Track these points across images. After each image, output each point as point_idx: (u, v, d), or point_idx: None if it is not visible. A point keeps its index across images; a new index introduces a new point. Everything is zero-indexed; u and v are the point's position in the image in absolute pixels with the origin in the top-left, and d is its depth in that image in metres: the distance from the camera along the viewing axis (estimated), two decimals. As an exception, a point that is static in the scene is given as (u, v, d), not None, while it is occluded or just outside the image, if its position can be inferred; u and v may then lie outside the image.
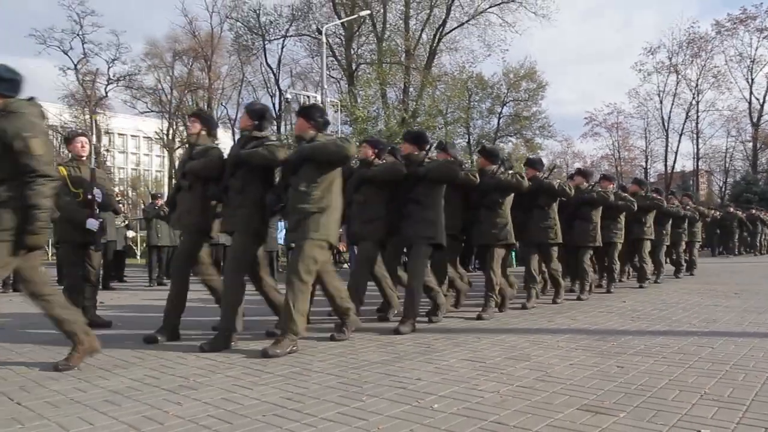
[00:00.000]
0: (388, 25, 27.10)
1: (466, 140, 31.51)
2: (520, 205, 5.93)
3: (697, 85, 35.94)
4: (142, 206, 20.40)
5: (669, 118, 37.25)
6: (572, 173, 8.93)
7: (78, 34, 30.36)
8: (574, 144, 42.83)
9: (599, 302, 6.45)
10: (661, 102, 37.31)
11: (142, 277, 11.77)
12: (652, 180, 38.38)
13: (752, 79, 34.91)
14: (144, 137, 49.37)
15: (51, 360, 3.60)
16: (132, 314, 6.27)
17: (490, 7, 27.47)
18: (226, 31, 32.52)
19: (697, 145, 37.69)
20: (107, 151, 37.62)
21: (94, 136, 4.85)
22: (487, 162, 5.72)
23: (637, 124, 42.99)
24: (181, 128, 34.70)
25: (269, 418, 2.45)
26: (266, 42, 30.39)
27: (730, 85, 35.40)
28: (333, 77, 29.19)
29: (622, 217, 7.78)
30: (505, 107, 33.51)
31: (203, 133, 4.58)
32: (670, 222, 9.49)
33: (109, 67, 32.62)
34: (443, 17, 27.28)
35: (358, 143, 4.84)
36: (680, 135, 37.27)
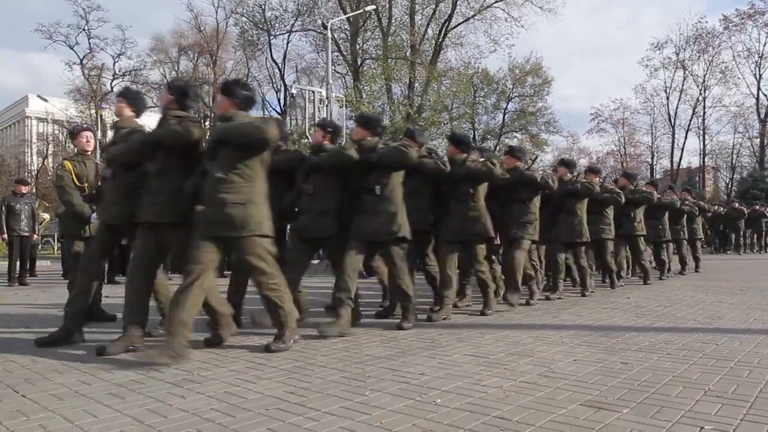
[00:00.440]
0: (393, 20, 27.08)
1: (472, 136, 31.44)
2: (498, 198, 5.69)
3: (704, 80, 35.78)
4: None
5: (675, 114, 37.14)
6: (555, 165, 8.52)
7: (84, 30, 30.41)
8: (579, 140, 42.60)
9: (604, 298, 6.43)
10: (667, 98, 37.18)
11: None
12: (657, 176, 38.23)
13: (760, 75, 34.72)
14: (149, 132, 49.36)
15: (55, 353, 3.63)
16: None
17: (496, 1, 27.43)
18: (232, 27, 32.57)
19: (704, 142, 37.56)
20: (113, 145, 37.62)
21: (99, 130, 4.85)
22: (456, 150, 5.31)
23: (643, 120, 42.89)
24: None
25: (272, 412, 2.45)
26: (271, 37, 30.40)
27: (738, 80, 35.24)
28: (338, 72, 29.21)
29: (610, 212, 7.40)
30: (510, 103, 33.50)
31: (130, 114, 4.15)
32: (666, 216, 9.11)
33: (114, 62, 32.69)
34: (449, 12, 27.25)
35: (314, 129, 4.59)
36: (687, 131, 37.16)
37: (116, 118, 4.27)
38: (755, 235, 19.19)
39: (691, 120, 36.90)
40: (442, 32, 27.46)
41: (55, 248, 19.41)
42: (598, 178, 7.42)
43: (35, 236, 10.63)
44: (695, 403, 2.49)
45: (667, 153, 38.50)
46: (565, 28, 64.44)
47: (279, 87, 33.10)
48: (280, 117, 29.83)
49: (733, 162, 38.94)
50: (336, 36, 26.44)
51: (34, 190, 28.58)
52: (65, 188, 5.09)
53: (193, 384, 2.92)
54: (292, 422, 2.32)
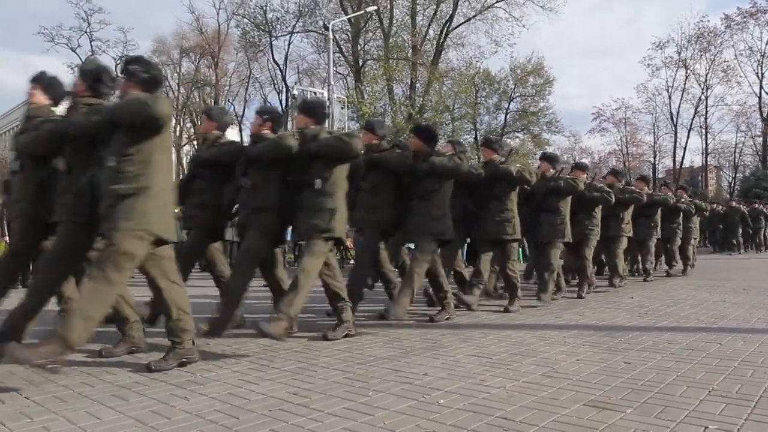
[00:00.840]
0: (394, 21, 27.03)
1: (473, 136, 31.42)
2: (474, 195, 5.48)
3: (706, 79, 35.63)
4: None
5: (678, 113, 36.96)
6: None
7: (86, 32, 30.46)
8: (581, 139, 42.57)
9: (606, 298, 6.42)
10: (669, 97, 37.02)
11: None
12: (660, 176, 38.16)
13: (762, 74, 34.56)
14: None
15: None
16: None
17: (498, 1, 27.34)
18: (233, 28, 32.53)
19: (706, 141, 37.42)
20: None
21: None
22: (421, 143, 4.94)
23: (645, 120, 42.78)
24: (188, 125, 34.79)
25: (275, 413, 2.45)
26: (273, 38, 30.35)
27: (740, 79, 35.06)
28: (340, 73, 29.18)
29: (598, 211, 6.91)
30: (512, 103, 33.38)
31: (46, 102, 3.75)
32: (659, 214, 8.64)
33: (116, 65, 32.71)
34: (450, 12, 27.18)
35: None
36: (689, 130, 36.99)
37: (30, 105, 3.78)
38: (754, 235, 18.67)
39: (693, 119, 36.79)
40: (444, 33, 27.41)
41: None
42: (585, 175, 7.01)
43: None
44: (699, 403, 2.48)
45: (670, 152, 38.40)
46: (566, 27, 64.40)
47: (281, 88, 33.09)
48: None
49: (736, 161, 38.82)
50: (337, 37, 26.42)
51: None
52: None
53: (196, 385, 2.92)
54: (296, 423, 2.32)
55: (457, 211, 5.13)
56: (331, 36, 21.29)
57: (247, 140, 4.80)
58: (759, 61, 34.39)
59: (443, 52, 27.98)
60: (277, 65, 32.09)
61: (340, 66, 28.74)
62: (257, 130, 4.25)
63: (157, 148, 3.12)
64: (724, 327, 4.42)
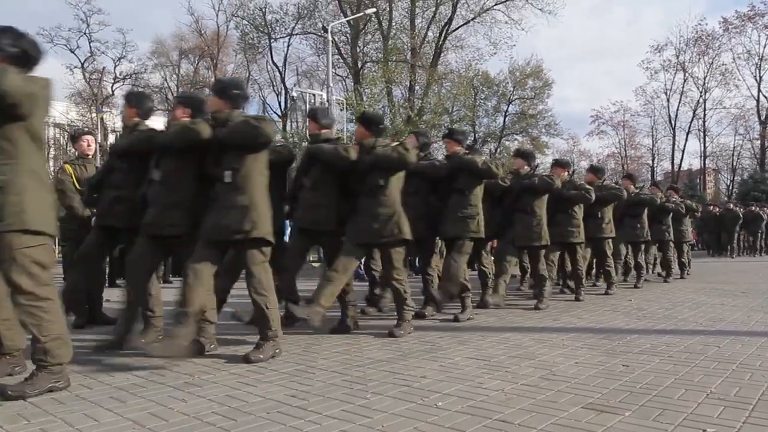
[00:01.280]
0: (393, 23, 27.07)
1: (472, 138, 31.44)
2: (436, 190, 5.15)
3: (704, 83, 35.78)
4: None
5: (676, 116, 37.13)
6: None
7: (85, 33, 30.39)
8: (580, 142, 42.60)
9: (605, 301, 6.42)
10: (668, 100, 37.17)
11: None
12: (659, 179, 38.21)
13: (760, 77, 34.70)
14: (150, 135, 49.38)
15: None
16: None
17: (496, 4, 27.40)
18: (232, 30, 32.55)
19: (705, 144, 37.56)
20: (114, 149, 37.66)
21: (100, 134, 4.80)
22: (366, 133, 4.44)
23: (643, 122, 42.75)
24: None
25: (273, 416, 2.45)
26: (272, 40, 30.38)
27: (738, 82, 35.23)
28: (339, 75, 29.22)
29: (579, 211, 6.46)
30: (511, 105, 33.44)
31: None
32: (645, 215, 8.06)
33: (115, 66, 32.65)
34: (449, 15, 27.23)
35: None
36: (687, 133, 37.14)
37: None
38: (750, 238, 18.20)
39: (691, 122, 36.94)
40: (443, 35, 27.45)
41: (56, 252, 19.39)
42: (566, 173, 6.60)
43: None
44: (697, 406, 2.48)
45: (668, 155, 38.52)
46: (564, 29, 64.39)
47: (280, 90, 33.12)
48: (271, 118, 29.89)
49: (734, 164, 38.94)
50: (336, 39, 26.46)
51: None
52: (66, 192, 5.09)
53: (194, 387, 2.92)
54: (294, 426, 2.32)
55: (420, 209, 4.97)
56: (330, 38, 21.33)
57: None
58: (757, 64, 34.55)
59: (442, 54, 28.04)
60: (276, 67, 32.16)
61: (339, 68, 28.78)
62: (176, 118, 3.79)
63: (25, 134, 2.69)
64: (723, 330, 4.43)
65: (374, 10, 24.85)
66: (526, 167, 5.98)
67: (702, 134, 37.32)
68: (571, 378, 3.00)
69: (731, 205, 18.68)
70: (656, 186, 9.55)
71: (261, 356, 3.48)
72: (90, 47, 30.81)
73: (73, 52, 30.85)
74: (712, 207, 19.20)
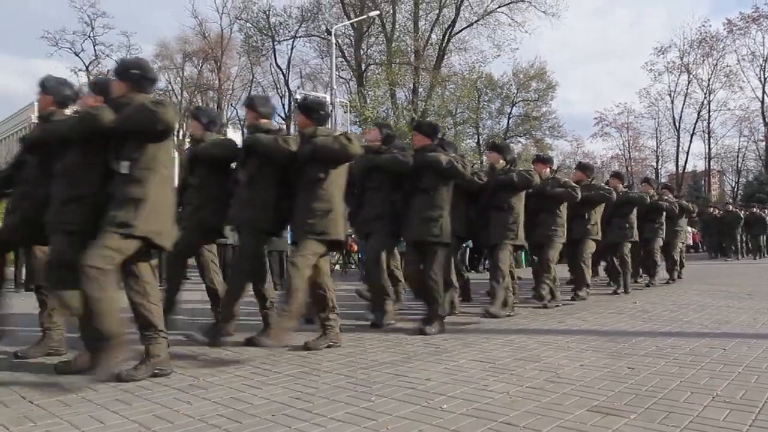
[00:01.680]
0: (397, 26, 27.15)
1: (476, 141, 31.45)
2: (400, 188, 4.80)
3: (708, 84, 35.71)
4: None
5: (680, 117, 37.05)
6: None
7: (89, 36, 30.59)
8: (584, 144, 42.57)
9: (609, 303, 6.41)
10: (672, 102, 37.11)
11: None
12: (663, 181, 38.13)
13: (765, 78, 34.62)
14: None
15: (63, 359, 3.63)
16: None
17: (500, 6, 27.47)
18: (236, 33, 32.68)
19: (709, 145, 37.45)
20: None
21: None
22: (307, 121, 4.04)
23: (647, 124, 42.77)
24: (190, 129, 34.90)
25: (278, 418, 2.45)
26: (276, 43, 30.52)
27: (743, 84, 35.16)
28: (342, 78, 29.28)
29: (563, 211, 6.07)
30: (514, 107, 33.47)
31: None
32: (634, 214, 7.58)
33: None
34: (452, 17, 27.31)
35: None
36: (692, 135, 37.06)
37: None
38: (752, 241, 17.66)
39: (696, 124, 36.86)
40: (446, 37, 27.51)
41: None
42: (548, 169, 6.29)
43: None
44: (703, 409, 2.47)
45: (672, 157, 38.45)
46: (568, 31, 64.51)
47: (283, 92, 33.18)
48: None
49: (739, 165, 38.85)
50: (340, 41, 26.53)
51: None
52: None
53: (199, 390, 2.92)
54: (299, 428, 2.32)
55: (380, 208, 4.77)
56: (333, 40, 21.38)
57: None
58: (762, 65, 34.50)
59: (446, 56, 28.10)
60: (280, 69, 32.26)
61: (342, 70, 28.87)
62: (88, 104, 3.43)
63: None
64: (728, 332, 4.41)
65: (378, 12, 24.93)
66: (501, 161, 5.54)
67: (706, 136, 37.25)
68: (576, 380, 2.99)
69: (731, 207, 18.36)
70: (648, 183, 9.00)
71: (136, 374, 3.09)
72: (95, 50, 30.99)
73: (77, 56, 30.99)
74: (712, 209, 19.00)
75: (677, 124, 37.23)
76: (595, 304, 6.28)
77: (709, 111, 36.40)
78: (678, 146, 37.58)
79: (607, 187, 7.23)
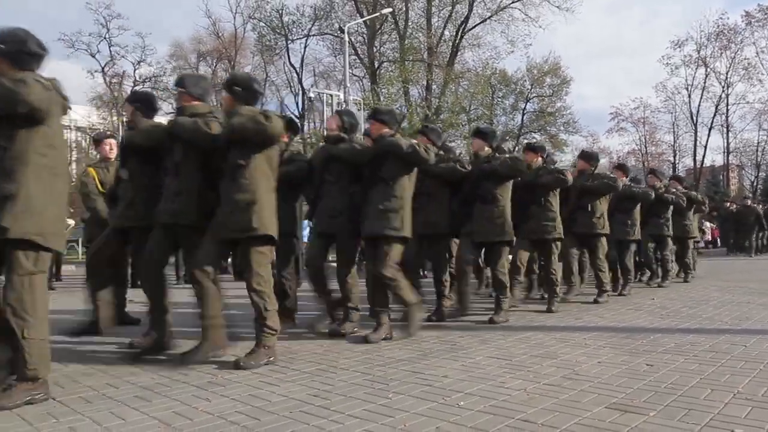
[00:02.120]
0: (410, 23, 27.08)
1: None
2: (358, 178, 4.41)
3: (726, 77, 35.13)
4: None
5: (698, 111, 36.46)
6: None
7: (105, 38, 30.85)
8: (599, 140, 42.01)
9: (627, 300, 6.35)
10: (689, 96, 36.54)
11: (169, 275, 11.93)
12: (680, 175, 37.65)
13: (785, 71, 34.01)
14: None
15: (84, 357, 3.69)
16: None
17: (513, 2, 27.28)
18: (249, 32, 32.76)
19: (728, 139, 36.87)
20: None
21: (121, 137, 4.77)
22: (233, 101, 3.57)
23: (664, 119, 42.22)
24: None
25: (296, 415, 2.47)
26: (289, 42, 30.53)
27: (762, 77, 34.50)
28: (356, 76, 29.29)
29: (555, 202, 5.61)
30: (528, 103, 33.22)
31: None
32: (637, 210, 7.08)
33: (135, 69, 33.09)
34: (466, 13, 27.19)
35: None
36: (710, 129, 36.48)
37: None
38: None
39: (714, 118, 36.27)
40: (459, 34, 27.40)
41: (80, 253, 19.75)
42: (538, 158, 5.80)
43: None
44: (724, 406, 2.45)
45: (690, 151, 37.89)
46: (582, 27, 63.87)
47: (297, 91, 33.24)
48: (296, 120, 30.01)
49: (758, 159, 38.18)
50: (353, 39, 26.51)
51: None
52: (89, 195, 5.20)
53: (217, 387, 2.95)
54: (317, 425, 2.33)
55: (339, 201, 4.39)
56: (346, 38, 21.37)
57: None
58: (781, 58, 33.82)
59: (459, 53, 27.99)
60: (294, 68, 32.29)
61: (356, 68, 28.85)
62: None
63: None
64: (749, 329, 4.36)
65: (390, 9, 24.88)
66: (486, 148, 5.10)
67: (725, 130, 36.68)
68: (594, 377, 2.97)
69: (749, 202, 18.01)
70: (654, 175, 8.47)
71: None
72: (110, 51, 31.27)
73: (93, 57, 31.29)
74: (729, 204, 18.65)
75: (695, 118, 36.72)
76: (612, 301, 6.22)
77: (727, 104, 35.86)
78: (696, 141, 37.08)
79: (612, 175, 6.74)
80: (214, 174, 3.59)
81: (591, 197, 6.12)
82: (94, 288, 3.97)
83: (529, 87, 33.04)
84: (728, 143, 36.94)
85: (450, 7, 27.18)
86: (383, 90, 23.85)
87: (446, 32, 27.70)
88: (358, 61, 28.39)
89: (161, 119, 4.28)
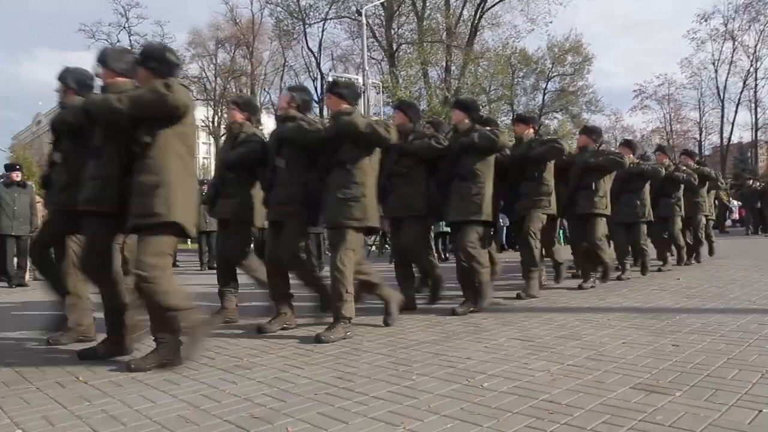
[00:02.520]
0: (428, 3, 26.79)
1: (510, 118, 30.97)
2: (315, 163, 4.00)
3: (755, 51, 34.17)
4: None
5: (725, 87, 35.62)
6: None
7: (124, 27, 31.12)
8: (623, 118, 41.38)
9: (651, 280, 6.28)
10: (715, 71, 35.67)
11: (193, 261, 12.12)
12: (706, 153, 36.88)
13: (816, 43, 32.97)
14: (191, 125, 50.37)
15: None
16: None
17: (533, -21, 26.79)
18: (267, 17, 32.74)
19: (756, 115, 35.95)
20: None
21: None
22: (151, 76, 3.15)
23: (690, 95, 41.18)
24: (225, 115, 35.33)
25: (321, 397, 2.50)
26: (306, 26, 30.43)
27: (792, 50, 33.53)
28: (374, 59, 29.10)
29: (550, 177, 5.25)
30: (550, 82, 32.86)
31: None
32: (647, 190, 6.67)
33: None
34: (484, -8, 26.77)
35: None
36: (737, 105, 35.63)
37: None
38: None
39: (741, 93, 35.38)
40: (478, 13, 27.04)
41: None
42: (530, 129, 5.42)
43: None
44: (752, 386, 2.42)
45: (717, 128, 37.08)
46: (605, 2, 62.51)
47: (315, 75, 33.18)
48: (317, 105, 30.00)
49: (789, 136, 37.26)
50: (371, 22, 26.34)
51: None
52: None
53: (243, 370, 3.00)
54: (342, 407, 2.36)
55: (291, 189, 3.98)
56: (364, 21, 21.23)
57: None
58: (812, 29, 32.77)
59: (478, 33, 27.64)
60: (312, 52, 32.22)
61: (374, 51, 28.66)
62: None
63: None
64: (778, 308, 4.28)
65: (408, -10, 24.62)
66: (466, 121, 4.66)
67: (753, 105, 35.77)
68: (618, 358, 2.96)
69: None
70: (662, 152, 7.91)
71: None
72: (130, 41, 31.48)
73: (114, 47, 31.59)
74: (751, 181, 18.16)
75: (721, 94, 35.86)
76: (636, 281, 6.16)
77: (755, 79, 34.92)
78: (722, 117, 36.25)
79: (617, 151, 6.32)
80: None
81: (594, 175, 5.70)
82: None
83: (550, 66, 32.60)
84: (756, 119, 36.05)
85: (468, -13, 26.82)
86: (402, 72, 23.71)
87: (465, 12, 27.38)
88: (376, 43, 28.22)
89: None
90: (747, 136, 38.40)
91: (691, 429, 1.96)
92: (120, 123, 3.12)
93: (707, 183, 8.18)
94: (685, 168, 7.63)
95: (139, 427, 2.22)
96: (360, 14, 21.34)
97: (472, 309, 4.49)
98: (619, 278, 6.23)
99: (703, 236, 8.13)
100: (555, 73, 32.85)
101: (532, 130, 5.44)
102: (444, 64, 26.31)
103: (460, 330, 3.86)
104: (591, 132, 6.16)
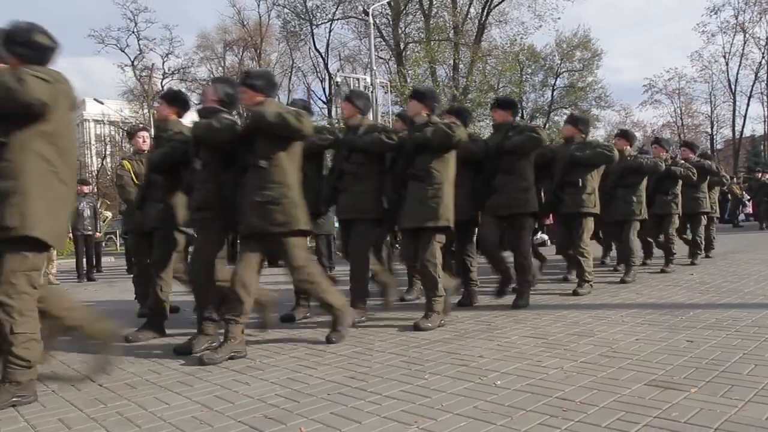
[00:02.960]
0: (434, 2, 26.73)
1: (520, 115, 30.83)
2: (231, 165, 3.58)
3: (766, 43, 33.81)
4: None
5: (736, 80, 35.23)
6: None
7: (133, 32, 31.36)
8: (633, 113, 41.00)
9: (664, 276, 6.22)
10: (726, 64, 35.29)
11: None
12: (718, 147, 36.53)
13: (828, 34, 32.54)
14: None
15: (125, 345, 3.79)
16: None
17: (540, -25, 26.66)
18: (274, 19, 32.87)
19: (768, 108, 35.56)
20: (167, 143, 38.83)
21: (153, 129, 4.82)
22: (16, 62, 2.60)
23: (700, 89, 41.02)
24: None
25: (334, 397, 2.51)
26: (314, 27, 30.50)
27: (804, 41, 33.11)
28: (381, 58, 29.10)
29: (530, 171, 4.71)
30: (558, 79, 32.55)
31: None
32: (643, 185, 6.12)
33: (163, 62, 33.59)
34: (491, -10, 26.68)
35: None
36: (749, 98, 35.22)
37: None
38: None
39: (753, 85, 34.98)
40: (485, 11, 26.95)
41: (118, 244, 20.30)
42: (509, 116, 4.82)
43: (98, 234, 11.16)
44: (768, 382, 2.39)
45: (728, 122, 36.68)
46: (613, -3, 62.07)
47: (323, 76, 33.30)
48: (325, 106, 30.07)
49: (802, 128, 36.78)
50: (378, 21, 26.34)
51: (96, 190, 29.85)
52: (125, 187, 5.32)
53: (256, 371, 3.01)
54: (355, 406, 2.36)
55: (205, 191, 3.55)
56: (371, 21, 21.25)
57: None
58: (825, 20, 32.34)
59: (486, 30, 27.56)
60: (319, 53, 32.30)
61: (381, 50, 28.68)
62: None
63: None
64: (793, 302, 4.23)
65: (414, -11, 24.59)
66: (423, 113, 4.13)
67: (765, 98, 35.38)
68: (632, 354, 2.93)
69: None
70: (660, 145, 7.16)
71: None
72: (139, 45, 31.79)
73: (123, 51, 31.86)
74: (759, 174, 17.92)
75: (733, 87, 35.49)
76: (649, 277, 6.11)
77: (767, 71, 34.56)
78: (734, 110, 35.86)
79: (607, 144, 5.78)
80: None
81: (581, 170, 5.16)
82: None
83: (559, 62, 32.35)
84: (769, 112, 35.64)
85: (475, -16, 26.73)
86: (410, 71, 23.69)
87: (472, 9, 27.31)
88: (383, 43, 28.22)
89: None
90: (760, 129, 38.02)
91: (707, 425, 1.95)
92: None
93: (708, 178, 7.57)
94: (683, 162, 7.11)
95: (154, 429, 2.24)
96: (367, 14, 21.36)
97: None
98: (623, 281, 5.78)
99: (703, 236, 7.60)
100: (564, 69, 32.62)
101: (510, 117, 4.82)
102: (452, 62, 26.25)
103: (472, 328, 3.85)
104: (576, 121, 5.60)
